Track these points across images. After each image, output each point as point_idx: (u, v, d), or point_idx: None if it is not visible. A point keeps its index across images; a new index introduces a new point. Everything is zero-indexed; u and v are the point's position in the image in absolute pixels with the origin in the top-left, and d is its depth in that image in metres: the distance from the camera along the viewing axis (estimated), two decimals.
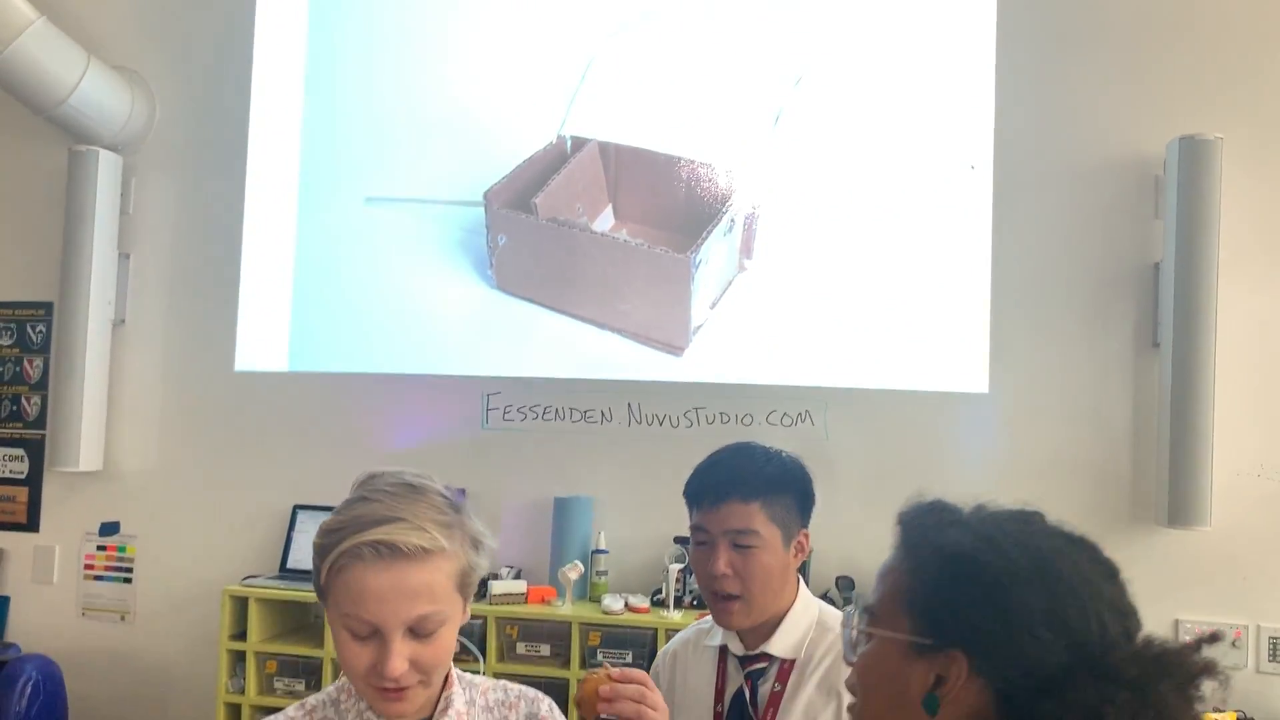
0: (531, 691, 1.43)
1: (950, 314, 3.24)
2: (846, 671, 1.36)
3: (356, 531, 1.21)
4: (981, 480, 3.21)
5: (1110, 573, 0.98)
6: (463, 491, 1.38)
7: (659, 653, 1.92)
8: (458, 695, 1.34)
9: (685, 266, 3.38)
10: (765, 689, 1.70)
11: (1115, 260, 3.20)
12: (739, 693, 1.71)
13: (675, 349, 3.41)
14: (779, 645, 1.71)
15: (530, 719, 1.39)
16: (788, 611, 1.72)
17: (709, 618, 1.81)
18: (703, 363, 3.37)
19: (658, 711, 1.39)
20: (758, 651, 1.72)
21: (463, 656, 1.58)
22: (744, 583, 1.67)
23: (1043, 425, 3.21)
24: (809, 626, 1.72)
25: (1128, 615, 0.96)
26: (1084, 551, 0.99)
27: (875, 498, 3.22)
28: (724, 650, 1.76)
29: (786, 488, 1.72)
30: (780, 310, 3.34)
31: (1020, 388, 3.22)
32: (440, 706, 1.31)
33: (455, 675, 1.36)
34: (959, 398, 3.24)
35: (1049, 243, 3.24)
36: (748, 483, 1.69)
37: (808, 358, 3.31)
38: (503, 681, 1.45)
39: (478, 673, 1.46)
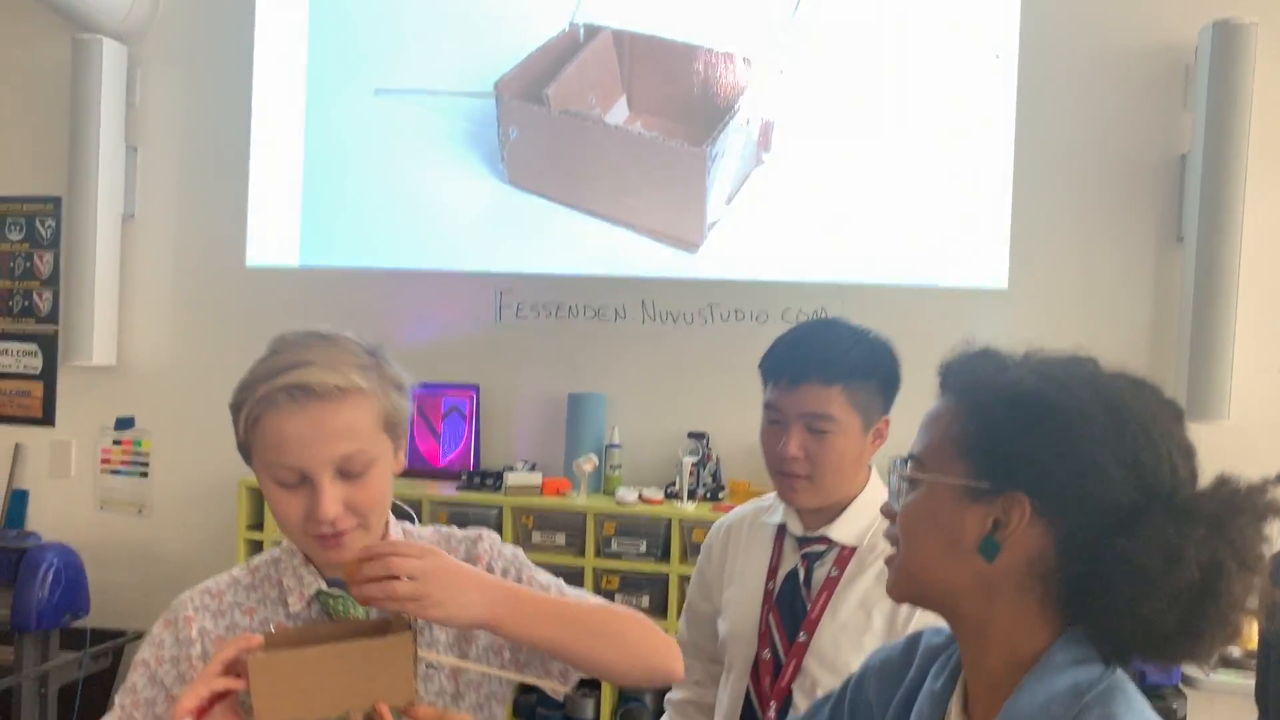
0: (474, 531, 1.36)
1: (970, 208, 3.19)
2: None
3: (268, 379, 1.18)
4: None
5: (1177, 413, 0.96)
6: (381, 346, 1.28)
7: (713, 526, 1.85)
8: (396, 537, 1.30)
9: (701, 160, 3.32)
10: (821, 573, 1.64)
11: (1141, 153, 3.13)
12: (793, 573, 1.65)
13: (690, 245, 3.37)
14: (841, 531, 1.64)
15: (469, 559, 1.30)
16: (856, 498, 1.65)
17: (769, 496, 1.76)
18: (718, 259, 3.33)
19: (406, 583, 1.14)
20: (818, 534, 1.65)
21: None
22: (814, 467, 1.60)
23: (1062, 321, 3.17)
24: (876, 515, 1.62)
25: (1191, 456, 0.94)
26: (1150, 392, 0.97)
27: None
28: (782, 529, 1.70)
29: (871, 372, 1.62)
30: (797, 205, 3.29)
31: (1040, 283, 3.18)
32: None
33: (393, 525, 1.31)
34: (978, 294, 3.20)
35: (1073, 134, 3.17)
36: (830, 365, 1.59)
37: (824, 254, 3.27)
38: (445, 528, 1.38)
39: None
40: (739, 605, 1.70)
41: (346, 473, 1.19)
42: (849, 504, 1.65)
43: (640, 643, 1.26)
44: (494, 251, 3.50)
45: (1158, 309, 3.13)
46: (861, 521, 1.64)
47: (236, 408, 1.22)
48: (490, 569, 1.30)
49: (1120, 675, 0.94)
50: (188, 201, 3.74)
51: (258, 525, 3.25)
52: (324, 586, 1.25)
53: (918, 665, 1.10)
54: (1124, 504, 0.90)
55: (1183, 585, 0.87)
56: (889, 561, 1.05)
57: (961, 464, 0.97)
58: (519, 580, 1.30)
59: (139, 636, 3.46)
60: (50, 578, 3.10)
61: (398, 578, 1.13)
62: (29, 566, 3.09)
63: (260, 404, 1.18)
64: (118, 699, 1.28)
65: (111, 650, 3.39)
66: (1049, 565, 0.93)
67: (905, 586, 1.03)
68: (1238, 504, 0.90)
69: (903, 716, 1.07)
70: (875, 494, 1.66)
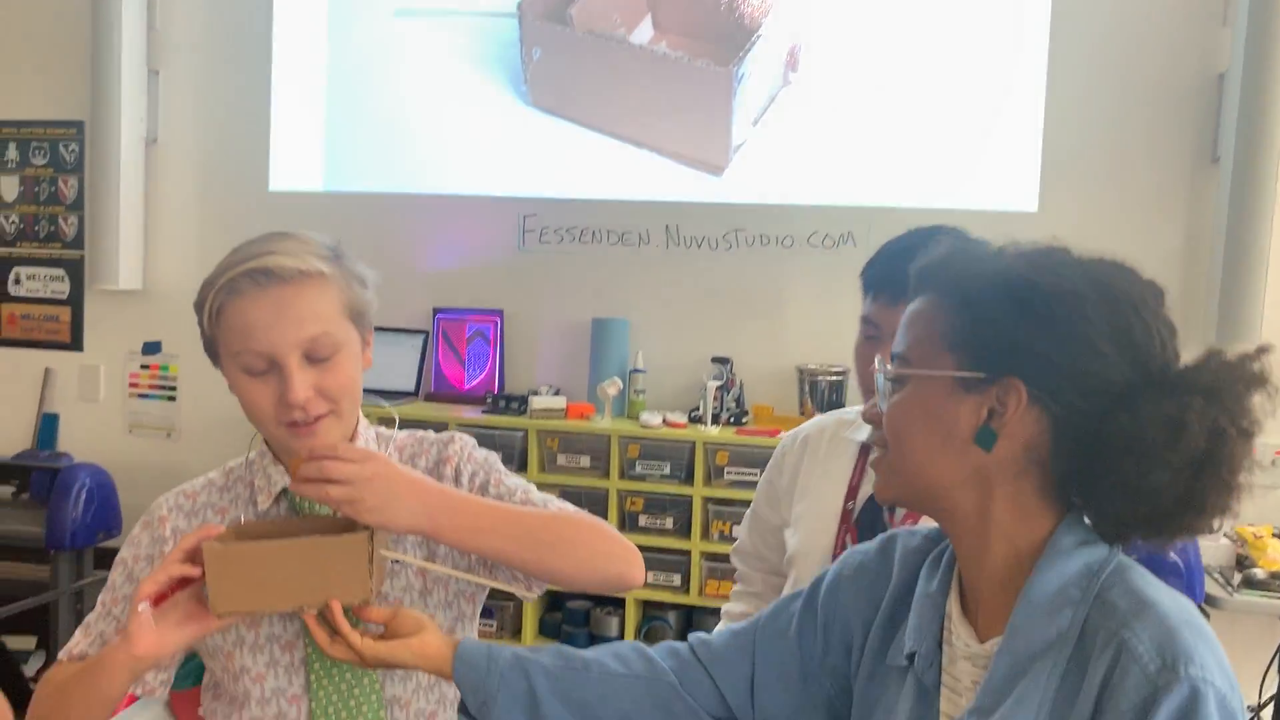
0: (445, 434, 1.36)
1: (1001, 128, 3.14)
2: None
3: (230, 269, 1.18)
4: None
5: (1159, 293, 0.96)
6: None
7: (786, 435, 1.73)
8: (367, 440, 1.31)
9: (726, 80, 3.27)
10: None
11: (1177, 70, 3.06)
12: (874, 497, 1.49)
13: (715, 168, 3.34)
14: None
15: (440, 460, 1.31)
16: None
17: (853, 409, 1.61)
18: (743, 183, 3.30)
19: (340, 487, 1.13)
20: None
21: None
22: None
23: (1093, 243, 3.11)
24: None
25: (1175, 334, 0.96)
26: (1133, 273, 0.97)
27: None
28: (866, 448, 1.54)
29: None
30: (825, 127, 3.24)
31: (1071, 205, 3.13)
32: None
33: (364, 424, 1.32)
34: (1007, 216, 3.15)
35: (1108, 52, 3.10)
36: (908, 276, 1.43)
37: (851, 176, 3.23)
38: (420, 431, 1.38)
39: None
40: (812, 521, 1.58)
41: (314, 356, 1.19)
42: None
43: (594, 552, 1.24)
44: (517, 175, 3.48)
45: (1191, 231, 3.09)
46: None
47: (200, 305, 1.22)
48: (459, 471, 1.30)
49: (1123, 555, 0.95)
50: (210, 125, 3.72)
51: None
52: (290, 484, 1.23)
53: (899, 569, 1.09)
54: (1119, 382, 0.91)
55: (1188, 455, 0.88)
56: (875, 464, 1.04)
57: (952, 357, 0.96)
58: (486, 484, 1.29)
59: None
60: (83, 497, 3.15)
61: (333, 481, 1.12)
62: (62, 486, 3.14)
63: (222, 292, 1.18)
64: (100, 597, 1.32)
65: None
66: (1046, 450, 0.94)
67: (898, 489, 1.02)
68: (1230, 373, 0.91)
69: (896, 622, 1.06)
70: None
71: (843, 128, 3.23)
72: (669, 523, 3.08)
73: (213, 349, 1.24)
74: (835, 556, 1.47)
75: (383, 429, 1.36)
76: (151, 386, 3.80)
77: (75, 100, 3.74)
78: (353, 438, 1.28)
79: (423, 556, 1.27)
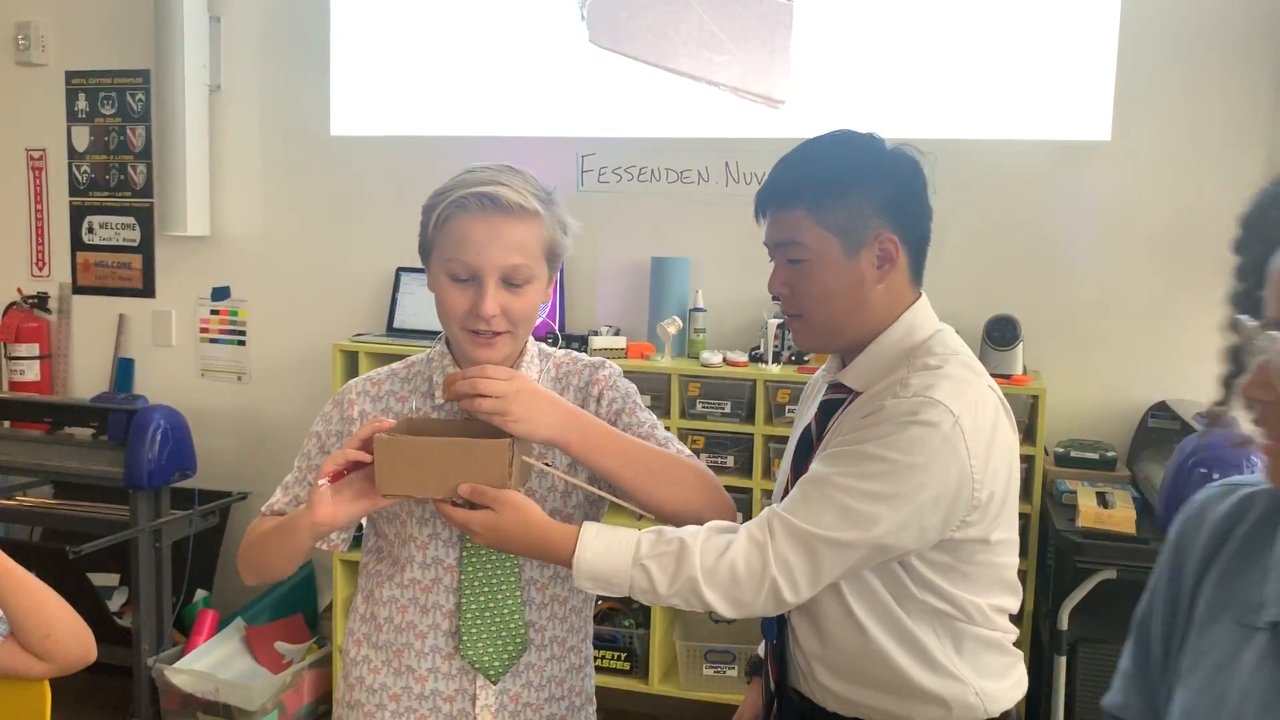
0: (597, 359, 1.54)
1: (1073, 55, 3.03)
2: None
3: (463, 187, 1.37)
4: (1100, 234, 3.08)
5: None
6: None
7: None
8: (531, 362, 1.50)
9: (787, 11, 3.20)
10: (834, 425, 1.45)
11: None
12: (808, 427, 1.50)
13: (775, 102, 3.28)
14: (852, 375, 1.44)
15: (589, 382, 1.50)
16: (878, 336, 1.42)
17: None
18: (804, 117, 3.24)
19: (490, 400, 1.32)
20: (835, 380, 1.48)
21: None
22: (800, 302, 1.42)
23: (1167, 174, 3.03)
24: (894, 362, 1.40)
25: None
26: None
27: (986, 254, 3.13)
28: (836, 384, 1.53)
29: (847, 183, 1.37)
30: (889, 57, 3.16)
31: (1145, 135, 3.03)
32: (518, 363, 1.48)
33: (531, 343, 1.51)
34: (1079, 146, 3.07)
35: None
36: (787, 185, 1.41)
37: (916, 108, 3.15)
38: (576, 352, 1.57)
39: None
40: (783, 463, 1.62)
41: (510, 281, 1.38)
42: (869, 342, 1.42)
43: (693, 493, 1.41)
44: (575, 115, 3.45)
45: (1270, 161, 2.96)
46: (875, 365, 1.42)
47: (429, 209, 1.41)
48: (602, 395, 1.49)
49: None
50: (271, 71, 3.75)
51: None
52: (444, 394, 1.41)
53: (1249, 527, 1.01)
54: None
55: None
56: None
57: None
58: (621, 412, 1.48)
59: (244, 497, 3.62)
60: (159, 437, 3.23)
61: (484, 395, 1.32)
62: (138, 427, 3.22)
63: (452, 205, 1.38)
64: (296, 463, 1.54)
65: (219, 509, 3.55)
66: None
67: None
68: None
69: (1236, 575, 0.99)
70: (906, 332, 1.42)
71: (907, 58, 3.15)
72: (730, 461, 3.08)
73: (426, 250, 1.43)
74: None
75: (545, 346, 1.55)
76: (221, 331, 3.87)
77: (141, 49, 3.79)
78: (522, 353, 1.48)
79: (565, 469, 1.45)
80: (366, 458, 1.32)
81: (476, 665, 1.45)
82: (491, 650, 1.44)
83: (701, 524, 1.38)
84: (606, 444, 1.37)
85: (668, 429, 3.03)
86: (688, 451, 1.48)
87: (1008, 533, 1.41)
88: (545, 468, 1.42)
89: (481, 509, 1.33)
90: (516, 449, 1.33)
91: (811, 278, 1.40)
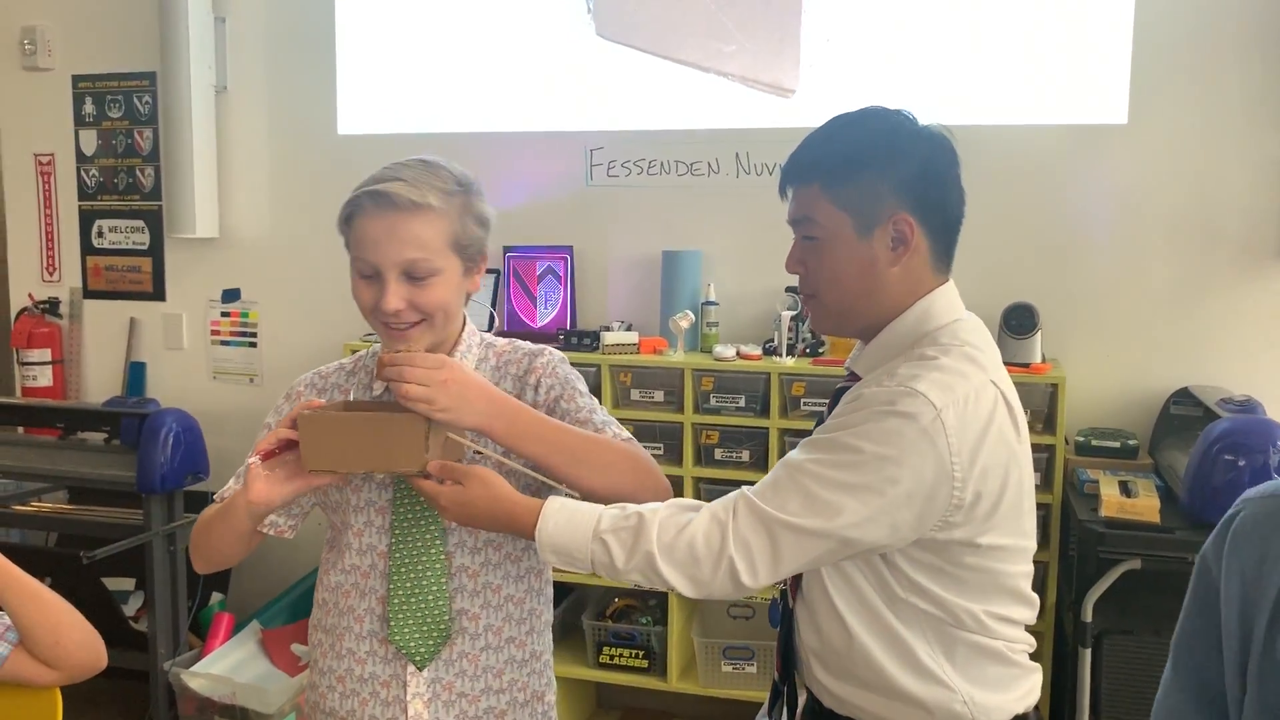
0: (537, 347, 1.57)
1: (1088, 38, 2.98)
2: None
3: (363, 186, 1.43)
4: (1118, 219, 3.04)
5: None
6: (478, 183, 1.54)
7: None
8: (469, 350, 1.53)
9: None
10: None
11: None
12: (822, 415, 1.47)
13: (785, 91, 3.24)
14: (862, 360, 1.42)
15: (526, 372, 1.53)
16: (893, 320, 1.37)
17: None
18: (815, 106, 3.20)
19: (416, 387, 1.34)
20: (848, 366, 1.46)
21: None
22: (814, 282, 1.38)
23: (1185, 157, 2.98)
24: (906, 344, 1.36)
25: None
26: None
27: (1003, 241, 3.09)
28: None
29: (863, 162, 1.34)
30: (901, 43, 3.12)
31: (1163, 117, 2.98)
32: (451, 351, 1.52)
33: (470, 331, 1.54)
34: (1095, 130, 3.02)
35: None
36: (804, 163, 1.38)
37: (929, 94, 3.10)
38: (518, 340, 1.60)
39: None
40: None
41: (411, 275, 1.42)
42: (883, 327, 1.38)
43: (622, 477, 1.42)
44: (583, 109, 3.42)
45: None
46: (883, 350, 1.38)
47: (341, 211, 1.46)
48: (539, 382, 1.51)
49: None
50: (277, 71, 3.73)
51: None
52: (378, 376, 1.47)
53: None
54: None
55: None
56: None
57: None
58: (560, 399, 1.51)
59: None
60: (171, 441, 3.22)
61: (410, 383, 1.35)
62: (150, 432, 3.21)
63: (351, 204, 1.43)
64: (248, 457, 1.52)
65: None
66: None
67: None
68: None
69: None
70: (919, 318, 1.37)
71: (919, 43, 3.10)
72: (745, 455, 3.05)
73: (347, 246, 1.48)
74: None
75: (488, 336, 1.59)
76: (232, 333, 3.86)
77: (146, 51, 3.77)
78: (456, 343, 1.53)
79: (501, 453, 1.46)
80: (294, 435, 1.37)
81: (403, 650, 1.48)
82: (417, 635, 1.47)
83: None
84: (531, 430, 1.40)
85: (680, 423, 3.04)
86: (625, 435, 1.50)
87: (1007, 539, 1.33)
88: (478, 450, 1.46)
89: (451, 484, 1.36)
90: (435, 427, 1.36)
91: (823, 256, 1.37)
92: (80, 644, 1.61)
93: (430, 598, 1.47)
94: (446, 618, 1.48)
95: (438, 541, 1.48)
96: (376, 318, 1.44)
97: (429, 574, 1.47)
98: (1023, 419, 1.36)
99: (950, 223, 1.40)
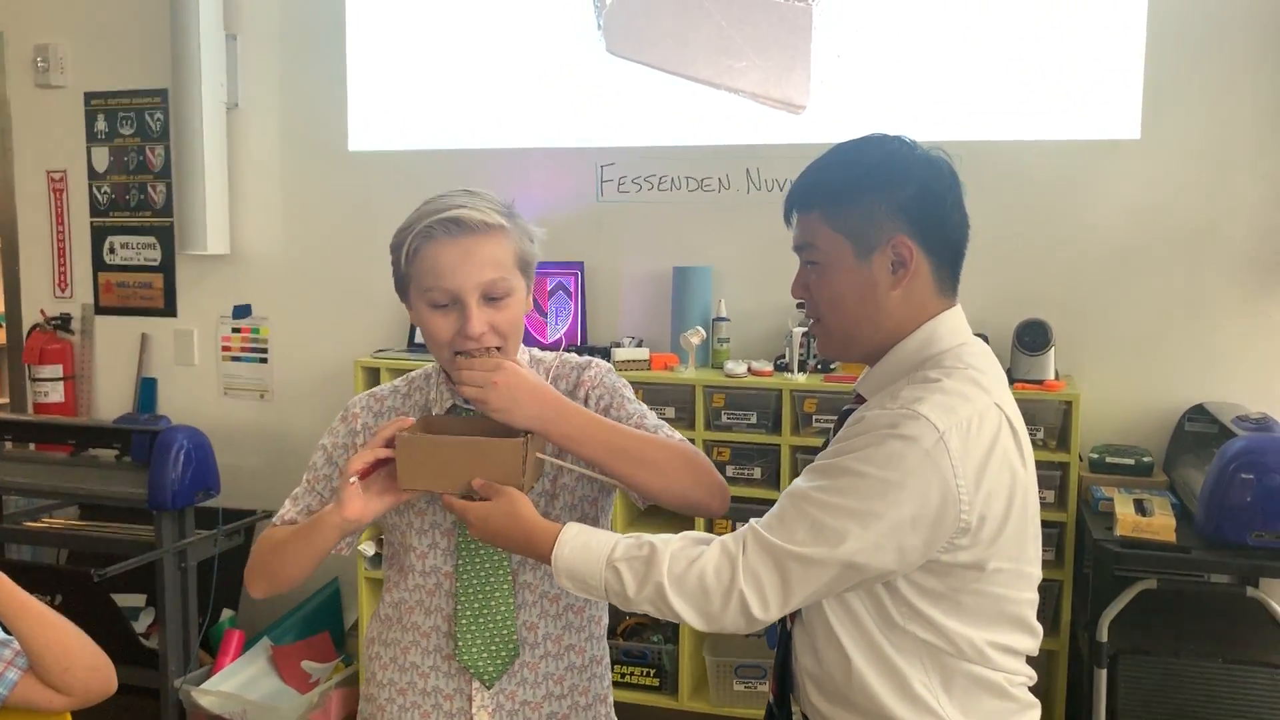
0: (584, 359, 1.58)
1: (1100, 52, 2.97)
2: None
3: (425, 218, 1.40)
4: (1131, 234, 3.02)
5: None
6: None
7: None
8: (522, 361, 1.52)
9: (806, 14, 3.16)
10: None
11: None
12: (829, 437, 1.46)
13: (795, 107, 3.24)
14: (866, 384, 1.42)
15: (577, 383, 1.54)
16: (898, 344, 1.37)
17: None
18: (826, 121, 3.20)
19: (473, 389, 1.38)
20: (855, 389, 1.45)
21: None
22: (818, 307, 1.39)
23: (1200, 172, 2.96)
24: (909, 367, 1.35)
25: None
26: None
27: (1016, 258, 3.07)
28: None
29: (862, 187, 1.34)
30: (911, 58, 3.11)
31: (1176, 132, 2.96)
32: None
33: (521, 351, 1.54)
34: (1107, 145, 3.01)
35: None
36: (805, 189, 1.39)
37: (940, 110, 3.10)
38: (566, 354, 1.61)
39: None
40: None
41: (490, 296, 1.42)
42: (888, 350, 1.37)
43: (677, 476, 1.43)
44: (594, 125, 3.42)
45: None
46: (886, 374, 1.37)
47: (397, 246, 1.44)
48: (589, 395, 1.53)
49: None
50: (288, 88, 3.74)
51: None
52: (460, 402, 1.51)
53: None
54: None
55: None
56: None
57: None
58: (609, 407, 1.52)
59: (268, 515, 3.60)
60: (182, 458, 3.22)
61: (462, 385, 1.39)
62: (161, 448, 3.21)
63: (419, 237, 1.40)
64: (305, 476, 1.60)
65: (243, 529, 3.53)
66: None
67: None
68: None
69: None
70: (925, 342, 1.36)
71: (930, 59, 3.10)
72: (757, 473, 3.04)
73: (404, 286, 1.46)
74: None
75: (536, 351, 1.60)
76: (244, 349, 3.87)
77: (158, 68, 3.79)
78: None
79: (584, 467, 1.48)
80: (389, 454, 1.39)
81: (471, 670, 1.49)
82: (486, 655, 1.49)
83: (687, 507, 1.46)
84: (585, 431, 1.41)
85: (692, 439, 3.03)
86: (679, 436, 1.51)
87: (1012, 563, 1.31)
88: (559, 464, 1.48)
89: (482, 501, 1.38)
90: (530, 447, 1.38)
91: (824, 281, 1.37)
92: (90, 669, 1.61)
93: (499, 618, 1.49)
94: (515, 637, 1.49)
95: (505, 562, 1.49)
96: (457, 346, 1.43)
97: (496, 594, 1.49)
98: (1028, 443, 1.35)
99: (953, 245, 1.39)
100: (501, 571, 1.49)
